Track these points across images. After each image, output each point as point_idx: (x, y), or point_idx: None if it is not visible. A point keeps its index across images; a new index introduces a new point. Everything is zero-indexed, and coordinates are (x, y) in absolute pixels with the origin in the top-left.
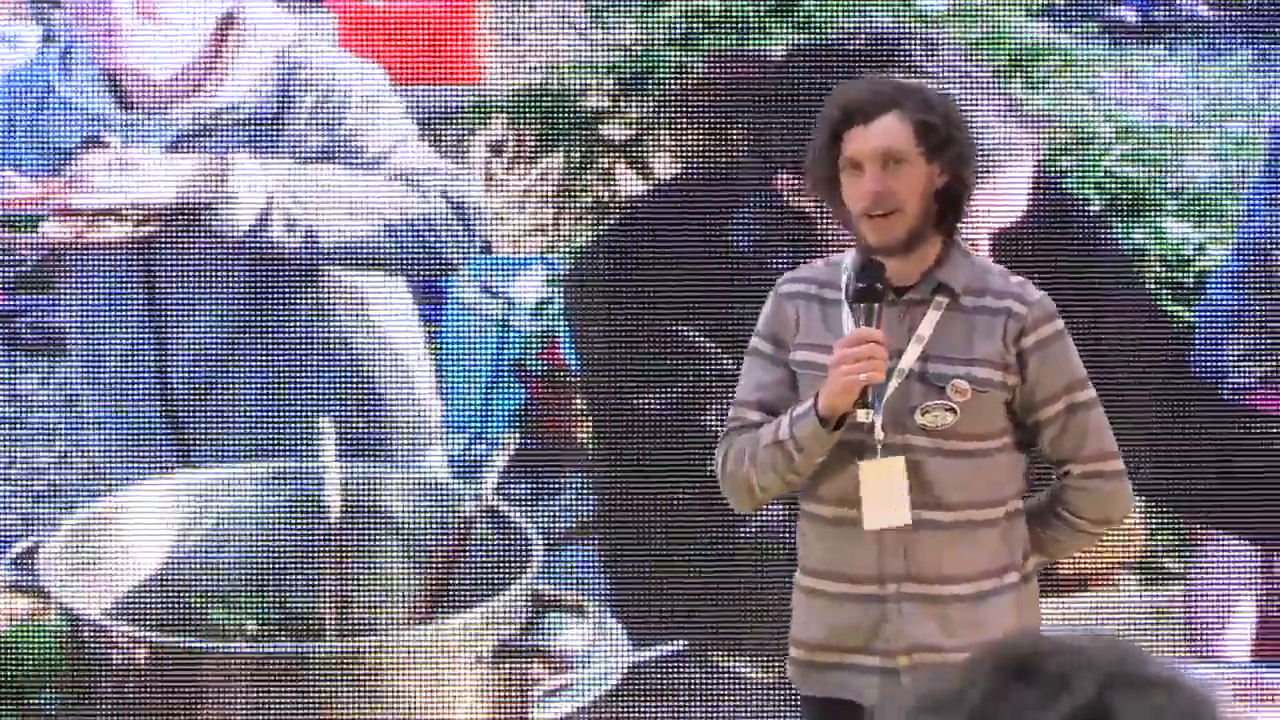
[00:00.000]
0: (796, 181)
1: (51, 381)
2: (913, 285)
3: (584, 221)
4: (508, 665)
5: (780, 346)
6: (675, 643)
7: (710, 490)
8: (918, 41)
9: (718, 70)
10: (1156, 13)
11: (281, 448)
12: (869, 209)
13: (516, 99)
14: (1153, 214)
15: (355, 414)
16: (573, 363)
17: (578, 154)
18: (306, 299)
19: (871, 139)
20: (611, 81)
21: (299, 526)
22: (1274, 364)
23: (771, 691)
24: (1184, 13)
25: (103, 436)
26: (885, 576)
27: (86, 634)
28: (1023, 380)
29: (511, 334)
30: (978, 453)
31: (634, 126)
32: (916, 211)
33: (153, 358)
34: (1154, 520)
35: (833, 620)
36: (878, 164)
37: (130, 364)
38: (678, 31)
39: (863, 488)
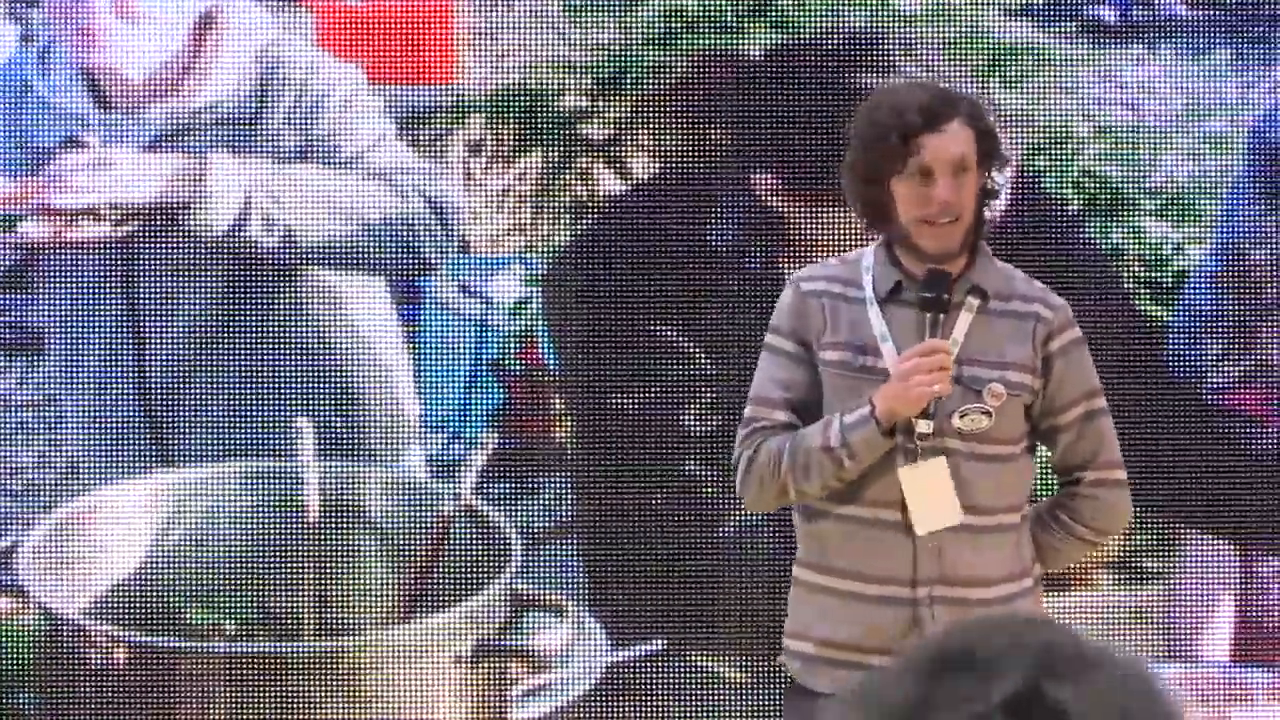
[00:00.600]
0: (774, 181)
1: (30, 381)
2: None
3: (562, 221)
4: (486, 665)
5: (804, 345)
6: (654, 642)
7: (689, 489)
8: (896, 41)
9: (696, 70)
10: (1135, 12)
11: (260, 448)
12: (936, 216)
13: (495, 99)
14: (1131, 213)
15: (334, 414)
16: (551, 362)
17: (556, 154)
18: (285, 299)
19: (947, 146)
20: (590, 81)
21: (278, 526)
22: (1252, 363)
23: (750, 690)
24: (1163, 12)
25: (82, 436)
26: (919, 579)
27: (65, 634)
28: (1045, 384)
29: (490, 334)
30: (1006, 457)
31: (612, 126)
32: (971, 218)
33: (131, 357)
34: (1133, 520)
35: (859, 620)
36: (949, 172)
37: (109, 363)
38: (656, 31)
39: (908, 493)
